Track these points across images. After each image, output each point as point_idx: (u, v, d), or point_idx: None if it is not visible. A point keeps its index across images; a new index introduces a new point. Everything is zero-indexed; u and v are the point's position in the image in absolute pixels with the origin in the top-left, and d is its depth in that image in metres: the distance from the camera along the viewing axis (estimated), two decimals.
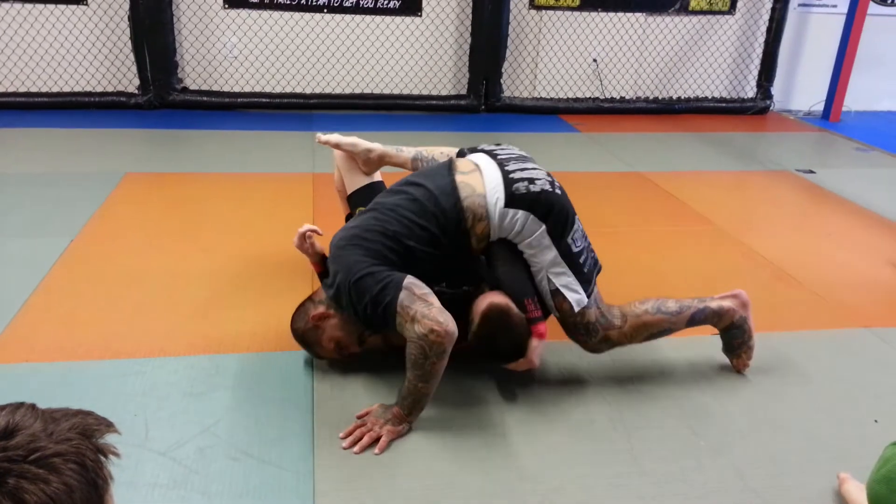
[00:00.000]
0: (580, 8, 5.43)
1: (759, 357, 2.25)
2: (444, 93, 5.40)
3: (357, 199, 2.44)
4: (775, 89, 5.91)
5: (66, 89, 4.95)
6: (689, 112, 5.75)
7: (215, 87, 5.15)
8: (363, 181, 2.48)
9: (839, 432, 1.93)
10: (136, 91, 4.99)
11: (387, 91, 5.37)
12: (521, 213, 1.92)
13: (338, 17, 5.14)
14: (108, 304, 2.42)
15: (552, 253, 1.96)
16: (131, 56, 4.91)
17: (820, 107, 5.91)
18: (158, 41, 4.87)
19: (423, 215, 1.93)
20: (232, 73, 5.16)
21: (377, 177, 2.51)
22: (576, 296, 1.98)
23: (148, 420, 1.83)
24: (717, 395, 2.07)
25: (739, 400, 2.05)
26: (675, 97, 5.84)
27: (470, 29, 5.25)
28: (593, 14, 5.47)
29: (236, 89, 5.18)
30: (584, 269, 2.01)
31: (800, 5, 5.83)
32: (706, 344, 2.31)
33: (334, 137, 2.43)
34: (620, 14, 5.51)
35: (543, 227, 1.93)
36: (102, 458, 0.70)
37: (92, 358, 2.10)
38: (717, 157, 4.68)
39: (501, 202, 1.92)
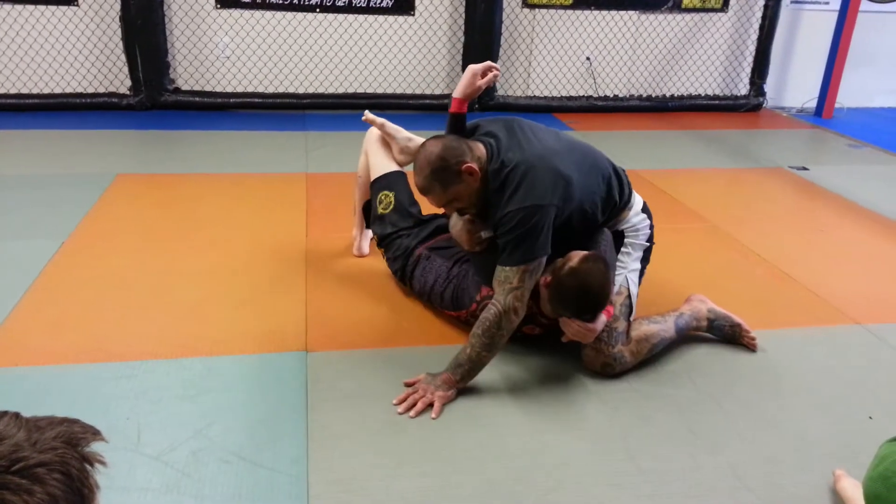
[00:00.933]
0: (573, 6, 5.43)
1: (752, 354, 2.26)
2: (437, 92, 5.39)
3: (381, 185, 2.56)
4: (768, 86, 5.91)
5: (58, 90, 4.92)
6: (683, 110, 5.76)
7: (207, 88, 5.13)
8: (391, 168, 2.58)
9: (834, 429, 1.92)
10: (128, 92, 4.97)
11: (380, 90, 5.36)
12: (648, 220, 2.25)
13: (330, 16, 5.12)
14: (100, 306, 2.40)
15: (638, 258, 2.22)
16: (123, 57, 4.89)
17: (813, 104, 5.92)
18: (150, 41, 4.84)
19: (616, 185, 2.16)
20: (224, 73, 5.14)
21: (402, 169, 2.60)
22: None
23: (140, 423, 1.82)
24: (713, 394, 2.06)
25: (734, 397, 2.05)
26: (668, 95, 5.84)
27: (463, 28, 5.24)
28: (586, 12, 5.46)
29: (229, 89, 5.16)
30: None
31: (792, 2, 5.84)
32: (699, 342, 2.31)
33: (380, 119, 2.58)
34: (613, 12, 5.51)
35: (650, 232, 2.24)
36: (88, 466, 0.69)
37: (83, 361, 2.08)
38: (711, 154, 4.68)
39: (641, 203, 2.25)
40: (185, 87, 5.10)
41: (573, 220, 2.07)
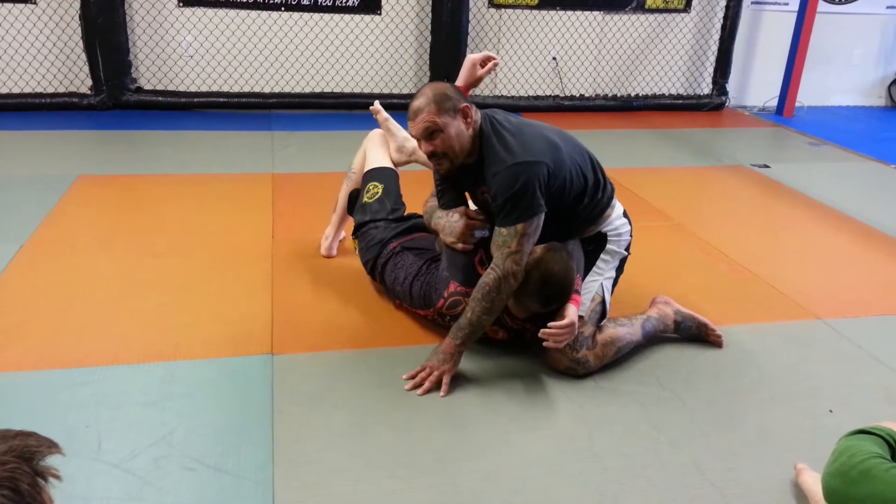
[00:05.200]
0: (539, 6, 5.45)
1: (716, 350, 2.29)
2: (405, 91, 5.37)
3: (373, 177, 2.68)
4: (730, 86, 6.01)
5: (16, 90, 4.80)
6: (647, 109, 5.82)
7: (171, 87, 5.05)
8: (387, 164, 2.72)
9: (795, 423, 1.96)
10: (89, 91, 4.87)
11: (347, 90, 5.33)
12: (628, 225, 2.26)
13: (296, 15, 5.08)
14: (59, 311, 2.35)
15: (614, 267, 2.23)
16: (83, 56, 4.79)
17: (774, 102, 6.04)
18: (111, 40, 4.75)
19: (599, 170, 2.20)
20: (188, 72, 5.06)
21: (397, 169, 2.75)
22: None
23: (100, 431, 1.78)
24: (676, 390, 2.09)
25: (697, 394, 2.08)
26: (633, 94, 5.90)
27: (430, 27, 5.23)
28: (552, 13, 5.50)
29: (192, 89, 5.08)
30: None
31: (753, 3, 5.94)
32: (664, 340, 2.33)
33: (385, 114, 2.79)
34: (578, 13, 5.55)
35: (629, 240, 2.26)
36: (42, 481, 0.67)
37: (41, 368, 2.03)
38: (675, 153, 4.74)
39: (622, 209, 2.28)
40: (147, 87, 5.01)
41: (563, 196, 2.06)
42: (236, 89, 5.15)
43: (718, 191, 4.07)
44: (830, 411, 2.01)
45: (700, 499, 1.67)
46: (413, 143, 2.57)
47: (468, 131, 2.03)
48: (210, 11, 4.95)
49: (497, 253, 2.00)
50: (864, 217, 3.60)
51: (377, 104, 2.83)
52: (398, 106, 5.36)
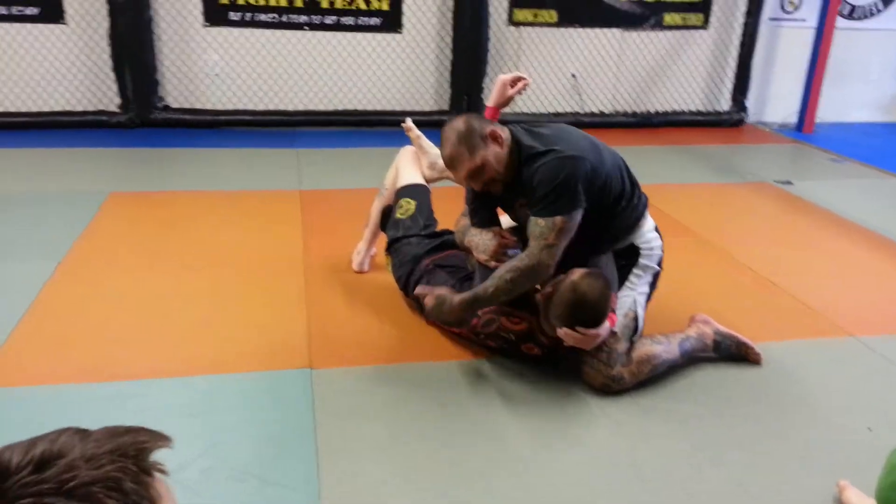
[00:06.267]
0: (558, 24, 5.51)
1: (752, 367, 2.30)
2: (426, 108, 5.43)
3: (405, 193, 2.70)
4: (749, 102, 6.02)
5: (46, 108, 4.89)
6: (667, 125, 5.84)
7: (197, 105, 5.13)
8: (419, 181, 2.74)
9: (835, 441, 1.96)
10: (117, 110, 4.95)
11: (369, 107, 5.39)
12: (660, 240, 2.27)
13: (319, 34, 5.15)
14: (101, 325, 2.39)
15: (647, 282, 2.23)
16: (112, 75, 4.87)
17: (793, 118, 6.04)
18: (139, 59, 4.84)
19: (630, 177, 2.21)
20: (214, 90, 5.14)
21: (429, 185, 2.78)
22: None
23: None
24: (714, 407, 2.10)
25: (735, 410, 2.09)
26: (652, 111, 5.93)
27: (451, 45, 5.29)
28: (571, 30, 5.55)
29: (218, 107, 5.15)
30: None
31: (770, 19, 5.96)
32: (699, 357, 2.34)
33: (418, 131, 2.82)
34: (597, 30, 5.59)
35: (661, 255, 2.26)
36: (147, 478, 0.65)
37: (85, 381, 2.07)
38: (696, 169, 4.76)
39: (653, 223, 2.28)
40: (174, 105, 5.09)
41: (604, 197, 2.08)
42: (261, 107, 5.22)
43: (742, 207, 4.08)
44: (869, 429, 2.01)
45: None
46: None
47: (503, 150, 2.07)
48: (236, 31, 5.03)
49: (533, 242, 2.01)
50: (890, 233, 3.60)
51: (409, 121, 2.88)
52: (421, 123, 5.41)
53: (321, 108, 5.30)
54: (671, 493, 1.73)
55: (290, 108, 5.26)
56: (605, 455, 1.88)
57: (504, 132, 2.10)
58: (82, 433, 0.66)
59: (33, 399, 1.98)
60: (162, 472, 0.68)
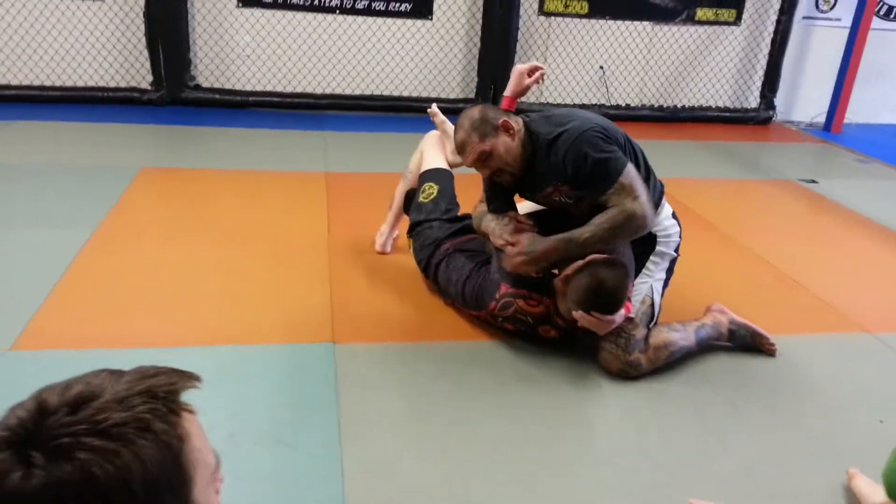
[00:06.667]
0: (588, 15, 5.51)
1: (766, 358, 2.33)
2: (452, 96, 5.47)
3: (429, 177, 2.75)
4: (778, 100, 5.98)
5: (80, 84, 4.99)
6: (693, 121, 5.83)
7: (227, 86, 5.20)
8: (443, 165, 2.79)
9: (846, 432, 1.99)
10: (149, 87, 5.04)
11: (396, 93, 5.43)
12: (678, 227, 2.31)
13: (350, 18, 5.20)
14: (132, 294, 2.47)
15: (664, 269, 2.27)
16: (145, 52, 4.96)
17: (822, 118, 5.99)
18: (172, 38, 4.92)
19: (647, 164, 2.30)
20: (244, 71, 5.22)
21: (453, 171, 2.82)
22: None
23: None
24: (727, 395, 2.13)
25: (749, 399, 2.12)
26: (679, 106, 5.91)
27: (480, 33, 5.32)
28: (601, 22, 5.54)
29: (248, 88, 5.23)
30: None
31: (804, 18, 5.91)
32: (715, 347, 2.37)
33: (442, 116, 2.88)
34: (628, 22, 5.58)
35: (679, 241, 2.29)
36: (175, 418, 0.68)
37: (117, 346, 2.15)
38: (721, 165, 4.75)
39: (671, 210, 2.33)
40: (205, 84, 5.17)
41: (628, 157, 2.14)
42: (289, 89, 5.29)
43: (766, 204, 4.08)
44: (881, 421, 2.03)
45: (749, 498, 1.71)
46: None
47: (514, 141, 2.12)
48: (268, 12, 5.10)
49: (620, 200, 2.03)
50: None
51: (434, 107, 2.92)
52: (446, 110, 5.45)
53: (349, 92, 5.36)
54: (681, 477, 1.77)
55: (318, 91, 5.32)
56: (616, 437, 1.93)
57: (517, 124, 2.15)
58: (115, 374, 0.70)
59: (65, 362, 2.05)
60: (190, 412, 0.70)
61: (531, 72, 2.36)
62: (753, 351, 2.36)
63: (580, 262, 2.09)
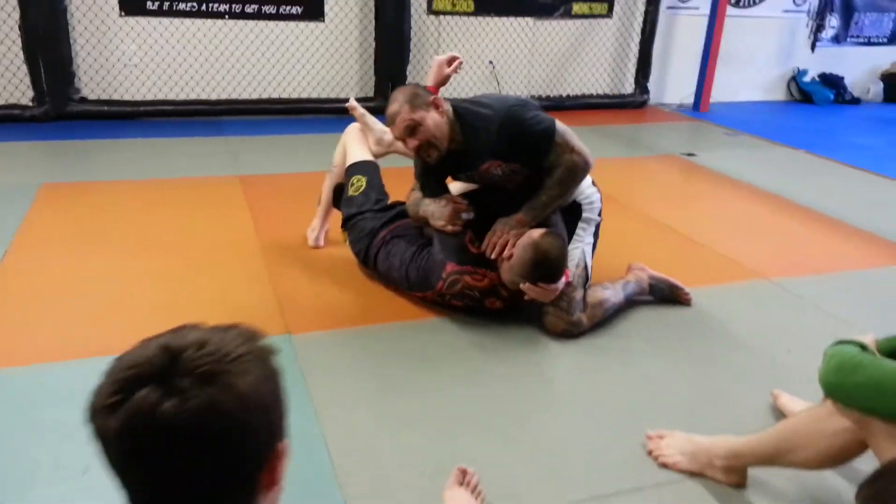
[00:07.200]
0: (475, 13, 5.73)
1: (683, 308, 2.59)
2: (350, 95, 5.51)
3: (355, 170, 2.83)
4: (651, 85, 6.47)
5: None
6: (578, 108, 6.19)
7: (115, 97, 5.02)
8: (368, 157, 2.87)
9: (760, 362, 2.26)
10: (31, 103, 4.78)
11: (294, 95, 5.43)
12: (598, 193, 2.52)
13: (240, 23, 5.15)
14: (59, 308, 2.39)
15: (591, 233, 2.48)
16: (24, 67, 4.70)
17: (690, 99, 6.53)
18: (53, 50, 4.69)
19: None
20: (133, 81, 5.05)
21: (377, 161, 2.91)
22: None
23: None
24: (656, 343, 2.36)
25: (673, 345, 2.35)
26: (564, 95, 6.27)
27: (374, 33, 5.41)
28: (487, 19, 5.79)
29: (138, 97, 5.06)
30: None
31: (668, 8, 6.42)
32: (639, 303, 2.61)
33: (361, 109, 2.95)
34: (512, 18, 5.86)
35: (601, 206, 2.51)
36: (272, 354, 0.81)
37: (61, 359, 2.09)
38: (609, 146, 5.10)
39: (590, 178, 2.50)
40: (91, 97, 4.96)
41: None
42: (182, 97, 5.16)
43: (655, 176, 4.44)
44: (788, 350, 2.33)
45: (695, 424, 1.93)
46: (390, 135, 2.75)
47: (443, 118, 2.28)
48: (154, 20, 4.96)
49: (561, 157, 2.26)
50: (782, 192, 4.04)
51: (353, 100, 3.00)
52: (344, 110, 5.51)
53: (245, 96, 5.30)
54: (634, 415, 1.96)
55: (213, 97, 5.23)
56: (571, 388, 2.11)
57: (445, 104, 2.31)
58: (201, 327, 0.79)
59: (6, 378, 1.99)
60: (276, 352, 0.83)
61: (450, 62, 2.51)
62: (671, 303, 2.62)
63: (523, 239, 2.24)
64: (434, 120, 2.26)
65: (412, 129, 2.24)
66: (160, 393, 0.69)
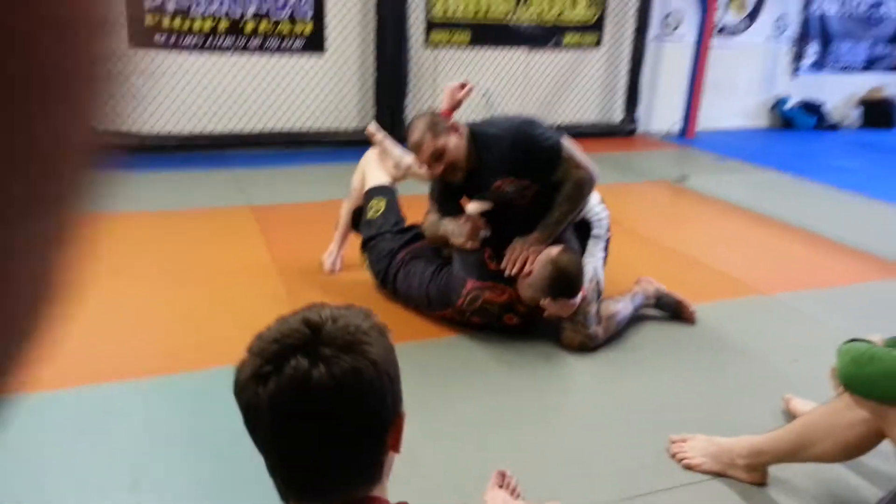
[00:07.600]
0: (471, 44, 5.92)
1: (692, 326, 2.71)
2: (351, 127, 5.67)
3: (374, 193, 2.93)
4: (639, 113, 6.68)
5: None
6: (569, 136, 6.35)
7: (121, 129, 5.10)
8: (384, 181, 2.97)
9: (770, 372, 2.39)
10: None
11: (295, 128, 5.56)
12: (607, 210, 2.68)
13: (245, 57, 5.29)
14: (92, 332, 2.47)
15: (602, 248, 2.63)
16: None
17: (677, 127, 6.74)
18: None
19: None
20: (139, 114, 5.14)
21: (395, 186, 3.02)
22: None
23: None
24: (668, 356, 2.48)
25: (684, 357, 2.47)
26: (556, 123, 6.44)
27: (373, 66, 5.57)
28: (482, 51, 5.98)
29: (144, 130, 5.16)
30: None
31: (654, 38, 6.66)
32: (650, 321, 2.73)
33: (381, 134, 3.06)
34: (506, 50, 6.06)
35: (609, 224, 2.66)
36: (387, 330, 0.90)
37: (82, 383, 2.17)
38: (601, 172, 5.21)
39: (599, 196, 2.68)
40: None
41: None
42: (187, 131, 5.27)
43: (650, 201, 4.61)
44: (795, 360, 2.45)
45: (713, 429, 2.04)
46: (409, 159, 2.89)
47: (462, 140, 2.42)
48: (161, 54, 5.08)
49: (568, 173, 2.39)
50: (771, 213, 4.21)
51: (372, 126, 3.11)
52: (346, 142, 5.66)
53: (248, 130, 5.42)
54: (655, 422, 2.07)
55: (218, 130, 5.34)
56: (593, 399, 2.21)
57: (462, 127, 2.46)
58: (327, 305, 0.90)
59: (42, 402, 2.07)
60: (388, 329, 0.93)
61: (461, 87, 2.68)
62: (677, 317, 2.73)
63: (541, 256, 2.36)
64: (455, 143, 2.41)
65: (438, 155, 2.38)
66: (309, 361, 0.79)
